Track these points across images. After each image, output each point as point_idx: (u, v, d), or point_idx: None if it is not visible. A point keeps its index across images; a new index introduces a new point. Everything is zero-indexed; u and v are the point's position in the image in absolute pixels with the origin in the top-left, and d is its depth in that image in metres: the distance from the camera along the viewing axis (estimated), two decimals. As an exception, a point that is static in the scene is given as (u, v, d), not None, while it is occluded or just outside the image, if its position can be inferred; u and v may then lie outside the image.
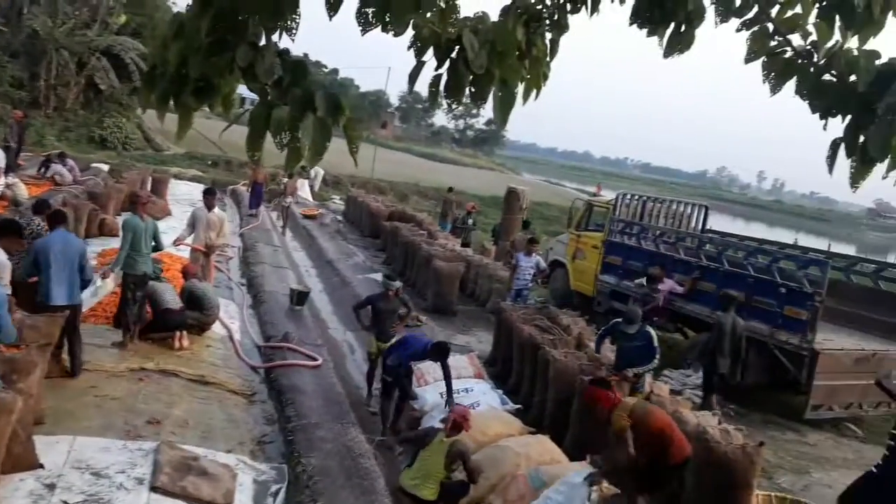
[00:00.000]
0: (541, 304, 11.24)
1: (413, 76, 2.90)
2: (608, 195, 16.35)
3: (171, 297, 8.19)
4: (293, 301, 10.78)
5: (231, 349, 8.63)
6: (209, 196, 10.25)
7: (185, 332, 8.09)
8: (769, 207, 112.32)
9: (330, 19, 2.57)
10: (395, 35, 2.56)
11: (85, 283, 6.66)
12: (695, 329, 10.94)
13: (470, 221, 18.54)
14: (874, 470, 5.64)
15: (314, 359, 8.44)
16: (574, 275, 13.53)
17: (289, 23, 2.53)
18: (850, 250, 42.45)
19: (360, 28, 2.60)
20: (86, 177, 17.87)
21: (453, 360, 8.48)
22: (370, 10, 2.56)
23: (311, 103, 2.46)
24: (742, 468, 5.65)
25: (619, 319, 7.67)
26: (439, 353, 6.97)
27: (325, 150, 2.34)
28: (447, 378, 6.92)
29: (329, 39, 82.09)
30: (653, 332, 7.43)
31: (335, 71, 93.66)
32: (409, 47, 2.79)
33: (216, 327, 8.95)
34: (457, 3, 2.78)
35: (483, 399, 7.23)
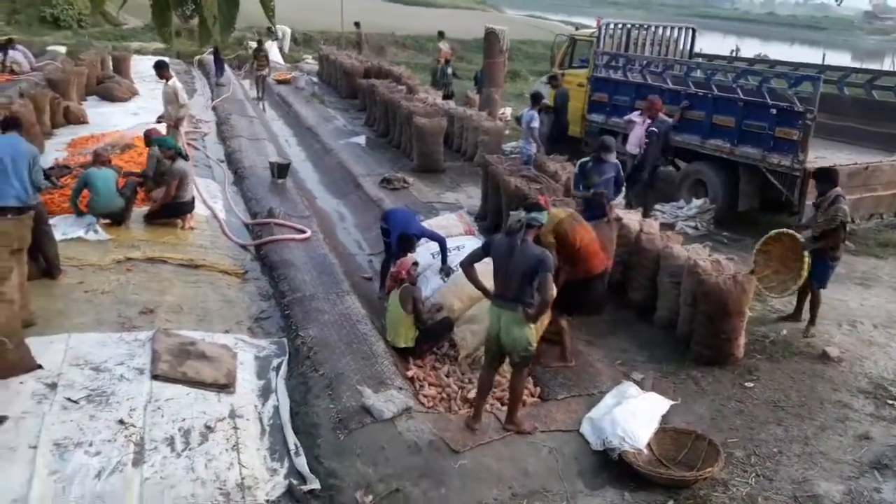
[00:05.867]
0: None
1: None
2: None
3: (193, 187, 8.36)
4: (274, 174, 10.53)
5: (217, 230, 8.52)
6: (159, 69, 10.00)
7: (192, 214, 8.31)
8: (762, 21, 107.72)
9: None
10: None
11: (38, 188, 6.41)
12: (686, 160, 10.75)
13: (449, 71, 17.59)
14: None
15: (302, 231, 8.36)
16: (561, 116, 13.05)
17: None
18: (845, 58, 41.23)
19: None
20: (42, 62, 16.88)
21: (443, 218, 8.40)
22: None
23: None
24: (734, 297, 5.72)
25: (597, 153, 7.57)
26: (405, 245, 6.57)
27: (235, 19, 2.02)
28: (443, 250, 6.91)
29: None
30: (619, 164, 7.56)
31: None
32: None
33: (200, 208, 8.79)
34: None
35: (474, 255, 7.19)
